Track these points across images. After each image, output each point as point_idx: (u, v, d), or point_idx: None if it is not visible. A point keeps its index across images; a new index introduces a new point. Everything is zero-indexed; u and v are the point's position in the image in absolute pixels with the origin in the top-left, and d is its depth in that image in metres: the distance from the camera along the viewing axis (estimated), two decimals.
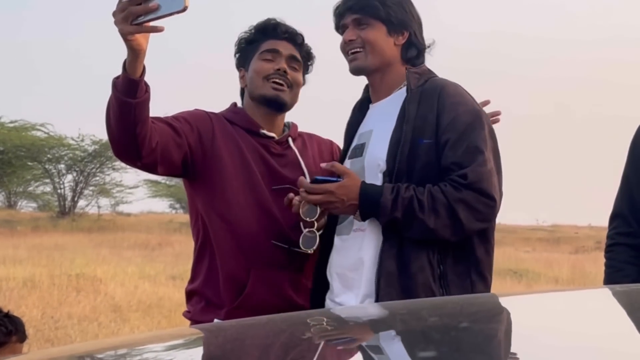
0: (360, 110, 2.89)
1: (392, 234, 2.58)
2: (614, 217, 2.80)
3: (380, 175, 2.63)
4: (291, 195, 2.71)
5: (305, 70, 3.06)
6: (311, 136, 3.13)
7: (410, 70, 2.73)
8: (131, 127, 2.52)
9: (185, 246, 19.86)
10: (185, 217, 33.71)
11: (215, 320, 2.80)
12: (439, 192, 2.52)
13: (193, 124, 2.85)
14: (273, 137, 2.97)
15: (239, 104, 3.07)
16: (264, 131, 2.95)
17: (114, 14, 2.36)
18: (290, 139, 3.01)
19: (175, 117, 2.84)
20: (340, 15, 2.78)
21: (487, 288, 2.67)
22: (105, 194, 33.70)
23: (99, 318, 9.36)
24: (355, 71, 2.78)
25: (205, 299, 2.90)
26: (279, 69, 2.91)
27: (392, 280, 2.55)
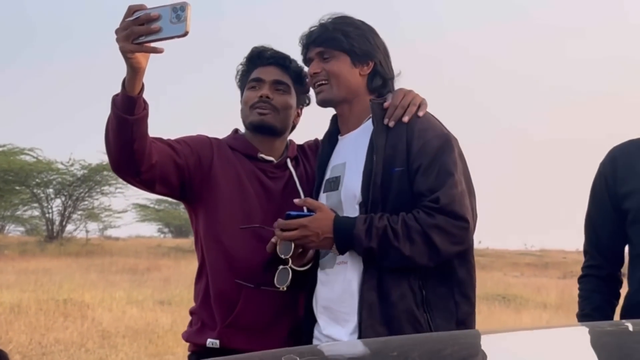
0: (329, 143, 2.92)
1: (372, 264, 2.61)
2: (584, 253, 3.02)
3: (357, 207, 2.66)
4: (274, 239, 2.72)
5: (301, 89, 3.07)
6: (308, 147, 3.15)
7: (374, 101, 2.74)
8: (129, 143, 2.58)
9: (173, 271, 19.76)
10: (174, 242, 33.61)
11: (209, 340, 2.85)
12: (412, 220, 2.55)
13: (193, 147, 2.91)
14: (272, 161, 3.01)
15: (242, 130, 3.11)
16: (262, 155, 3.00)
17: (117, 32, 2.42)
18: (288, 160, 3.04)
19: (177, 140, 2.91)
20: (305, 48, 2.83)
21: (471, 308, 2.70)
22: (94, 219, 33.56)
23: (87, 344, 9.29)
24: (322, 103, 2.82)
25: (201, 320, 2.93)
26: (261, 96, 2.95)
27: (374, 311, 2.57)
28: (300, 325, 2.86)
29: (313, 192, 2.90)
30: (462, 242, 2.61)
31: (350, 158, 2.75)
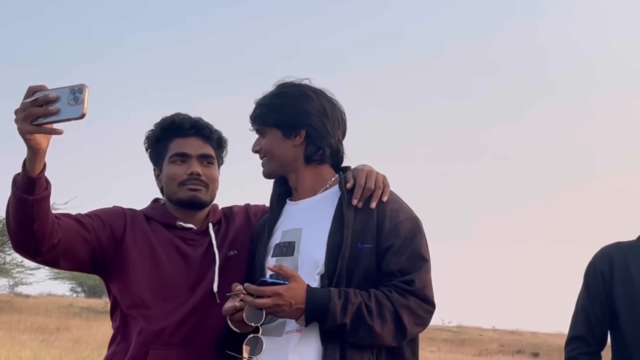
0: (277, 206, 2.88)
1: (333, 337, 2.57)
2: (572, 339, 3.19)
3: (317, 277, 2.63)
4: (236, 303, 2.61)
5: (221, 154, 3.06)
6: (234, 212, 3.11)
7: (342, 175, 2.76)
8: (29, 223, 2.55)
9: (84, 332, 19.28)
10: (86, 302, 32.84)
11: None
12: (385, 298, 2.58)
13: (106, 221, 2.88)
14: (191, 228, 2.96)
15: (162, 198, 3.07)
16: (181, 223, 2.95)
17: (16, 113, 2.39)
18: (210, 225, 2.98)
19: (87, 214, 2.88)
20: (251, 126, 2.85)
21: None
22: (4, 274, 32.54)
23: None
24: (265, 177, 2.86)
25: None
26: (191, 173, 2.90)
27: None
28: None
29: (256, 255, 2.85)
30: (424, 325, 2.67)
31: (309, 225, 2.73)
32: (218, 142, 3.03)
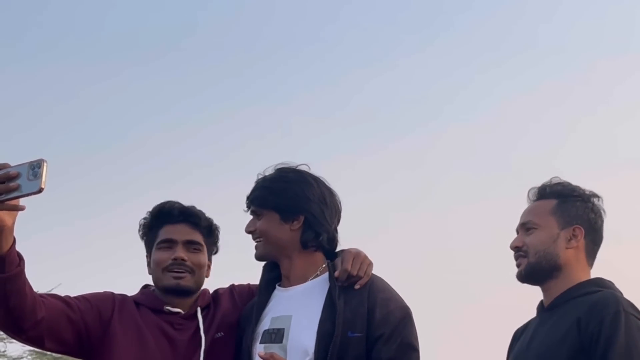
0: (267, 292, 2.87)
1: None
2: None
3: None
4: None
5: (211, 242, 3.04)
6: (220, 295, 3.08)
7: (330, 264, 2.77)
8: (4, 301, 2.53)
9: None
10: None
11: None
12: None
13: (93, 303, 2.86)
14: (179, 313, 2.92)
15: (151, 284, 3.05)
16: (169, 307, 2.92)
17: None
18: (198, 310, 2.95)
19: (76, 297, 2.87)
20: (247, 207, 2.86)
21: None
22: None
23: None
24: (257, 259, 2.86)
25: None
26: (175, 259, 2.89)
27: None
28: None
29: (243, 340, 2.83)
30: None
31: (299, 312, 2.72)
32: (207, 230, 3.01)
